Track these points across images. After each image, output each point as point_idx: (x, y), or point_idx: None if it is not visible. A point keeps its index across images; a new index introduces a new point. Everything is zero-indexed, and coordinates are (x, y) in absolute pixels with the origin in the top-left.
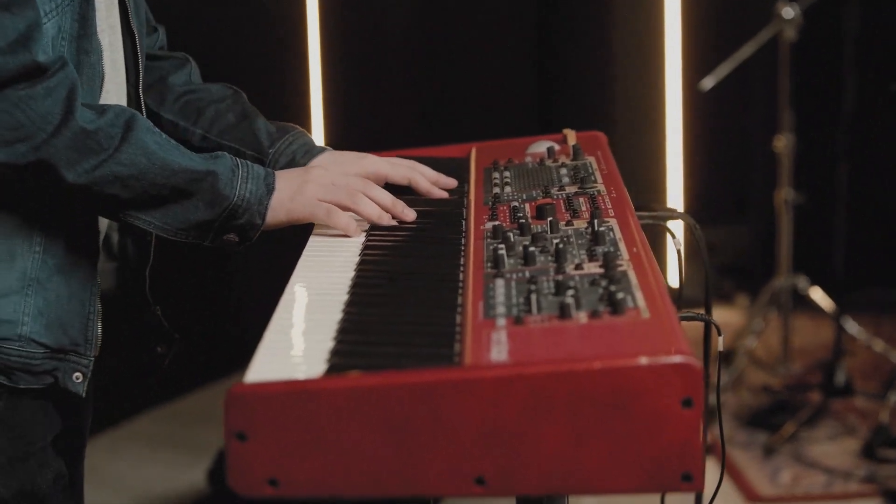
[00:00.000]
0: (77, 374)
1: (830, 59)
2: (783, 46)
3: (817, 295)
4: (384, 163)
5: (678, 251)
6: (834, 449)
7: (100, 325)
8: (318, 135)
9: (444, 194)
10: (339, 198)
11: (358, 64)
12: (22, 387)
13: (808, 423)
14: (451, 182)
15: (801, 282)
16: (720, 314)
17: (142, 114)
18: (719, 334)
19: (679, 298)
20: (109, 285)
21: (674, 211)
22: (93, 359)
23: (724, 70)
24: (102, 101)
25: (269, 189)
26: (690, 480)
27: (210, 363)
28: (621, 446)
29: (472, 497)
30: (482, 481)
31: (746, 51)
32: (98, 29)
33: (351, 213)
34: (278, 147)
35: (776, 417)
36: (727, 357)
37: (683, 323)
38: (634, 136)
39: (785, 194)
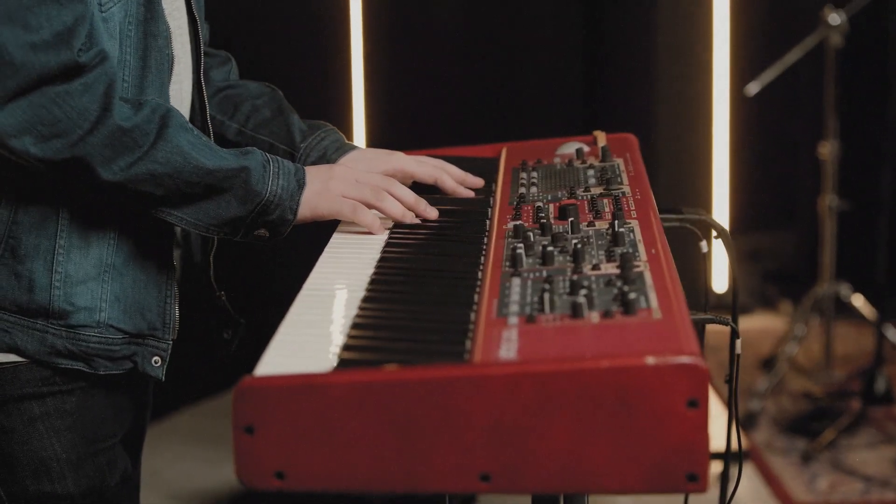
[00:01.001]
0: (156, 357)
1: (876, 65)
2: (829, 52)
3: (859, 302)
4: (411, 161)
5: (706, 254)
6: (872, 457)
7: (177, 308)
8: (359, 132)
9: (470, 193)
10: (363, 195)
11: (400, 61)
12: (102, 373)
13: (848, 430)
14: (478, 182)
15: (844, 289)
16: (764, 320)
17: (202, 99)
18: (737, 337)
19: (706, 301)
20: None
21: (702, 214)
22: (171, 342)
23: (769, 75)
24: (172, 85)
25: (301, 184)
26: (696, 481)
27: (249, 360)
28: (626, 446)
29: (479, 493)
30: (487, 478)
31: (792, 56)
32: (165, 12)
33: (375, 211)
34: (310, 142)
35: (816, 424)
36: (769, 363)
37: (714, 327)
38: (680, 140)
39: (829, 201)
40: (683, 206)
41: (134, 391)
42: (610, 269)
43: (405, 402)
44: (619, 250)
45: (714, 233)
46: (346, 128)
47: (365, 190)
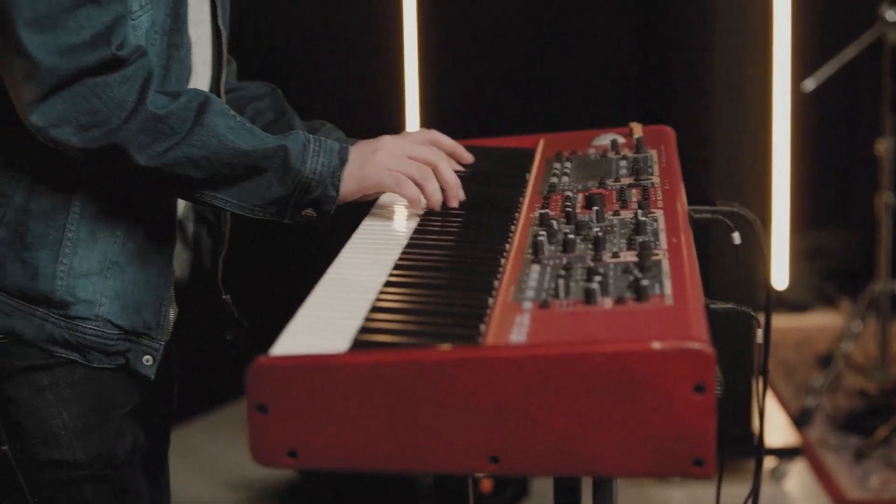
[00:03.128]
0: (147, 357)
1: None
2: (886, 49)
3: None
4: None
5: (737, 245)
6: None
7: (171, 311)
8: (412, 119)
9: (464, 159)
10: (410, 171)
11: (454, 54)
12: (95, 365)
13: None
14: (468, 156)
15: None
16: (823, 318)
17: None
18: (758, 326)
19: (750, 293)
20: (183, 273)
21: (735, 206)
22: (163, 343)
23: (826, 72)
24: None
25: (343, 160)
26: (702, 465)
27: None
28: (632, 430)
29: (485, 473)
30: (496, 459)
31: (849, 53)
32: (190, 23)
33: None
34: None
35: (870, 422)
36: (825, 360)
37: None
38: (737, 136)
39: (885, 198)
40: (718, 198)
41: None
42: (629, 257)
43: (416, 383)
44: (639, 239)
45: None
46: (398, 116)
47: (412, 166)
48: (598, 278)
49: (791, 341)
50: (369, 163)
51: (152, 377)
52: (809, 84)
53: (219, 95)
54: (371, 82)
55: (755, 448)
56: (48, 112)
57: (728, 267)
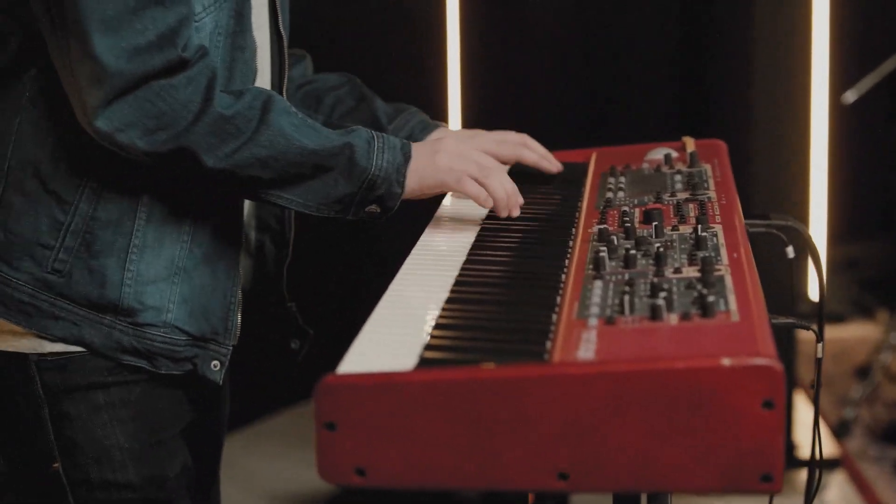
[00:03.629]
0: (215, 362)
1: None
2: None
3: None
4: (492, 142)
5: (790, 259)
6: None
7: (239, 315)
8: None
9: (553, 168)
10: (469, 168)
11: (498, 63)
12: (163, 372)
13: None
14: (556, 163)
15: None
16: (861, 329)
17: None
18: (818, 341)
19: (792, 305)
20: (246, 282)
21: (789, 220)
22: (231, 348)
23: (867, 83)
24: None
25: (406, 157)
26: (770, 481)
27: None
28: (701, 446)
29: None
30: (565, 476)
31: (890, 65)
32: (253, 26)
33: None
34: (396, 124)
35: None
36: (863, 372)
37: (809, 335)
38: (777, 148)
39: None
40: (771, 212)
41: (196, 387)
42: (691, 272)
43: (484, 401)
44: (700, 254)
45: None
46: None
47: (471, 164)
48: (662, 294)
49: (828, 352)
50: (431, 163)
51: (220, 382)
52: (850, 96)
53: None
54: (413, 92)
55: (806, 463)
56: (114, 117)
57: (771, 280)
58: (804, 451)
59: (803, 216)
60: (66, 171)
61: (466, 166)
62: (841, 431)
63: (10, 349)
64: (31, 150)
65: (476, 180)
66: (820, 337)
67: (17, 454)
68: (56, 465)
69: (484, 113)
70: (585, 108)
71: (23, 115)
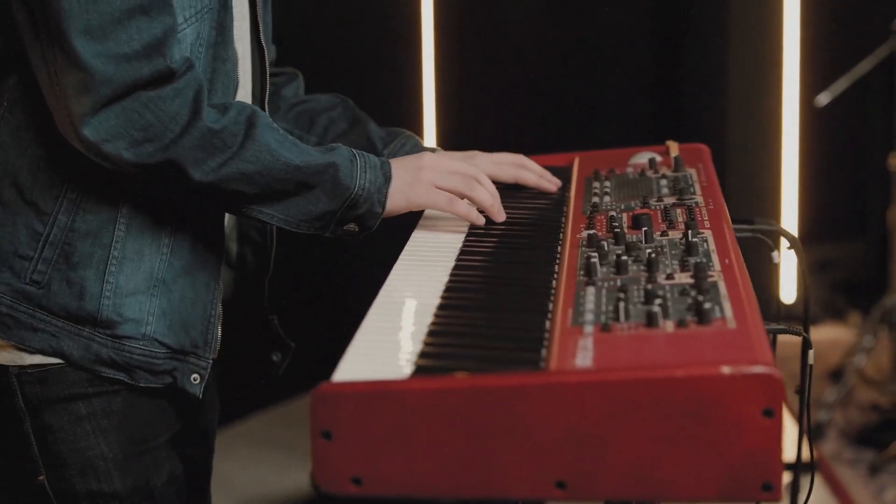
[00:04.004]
0: (195, 375)
1: None
2: None
3: None
4: (490, 163)
5: (777, 264)
6: None
7: (220, 328)
8: (430, 138)
9: (552, 188)
10: (455, 185)
11: (472, 68)
12: (142, 385)
13: None
14: (556, 180)
15: None
16: (833, 331)
17: None
18: (810, 348)
19: (778, 311)
20: (226, 294)
21: (774, 225)
22: (211, 361)
23: (840, 86)
24: None
25: (387, 177)
26: (770, 490)
27: (319, 367)
28: (701, 454)
29: (553, 500)
30: (563, 485)
31: (862, 67)
32: (234, 37)
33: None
34: (391, 148)
35: (884, 436)
36: (837, 374)
37: (785, 338)
38: (750, 150)
39: None
40: (755, 217)
41: (182, 397)
42: (684, 278)
43: (481, 409)
44: (692, 260)
45: (786, 243)
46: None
47: (456, 179)
48: (658, 301)
49: (800, 354)
50: (417, 181)
51: (200, 396)
52: (823, 99)
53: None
54: (387, 98)
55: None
56: (101, 127)
57: (754, 285)
58: (786, 455)
59: (776, 218)
60: (44, 181)
61: (452, 183)
62: (815, 434)
63: None
64: (9, 159)
65: (463, 195)
66: (809, 343)
67: (1, 468)
68: (41, 477)
69: (459, 119)
70: (560, 111)
71: (1, 124)
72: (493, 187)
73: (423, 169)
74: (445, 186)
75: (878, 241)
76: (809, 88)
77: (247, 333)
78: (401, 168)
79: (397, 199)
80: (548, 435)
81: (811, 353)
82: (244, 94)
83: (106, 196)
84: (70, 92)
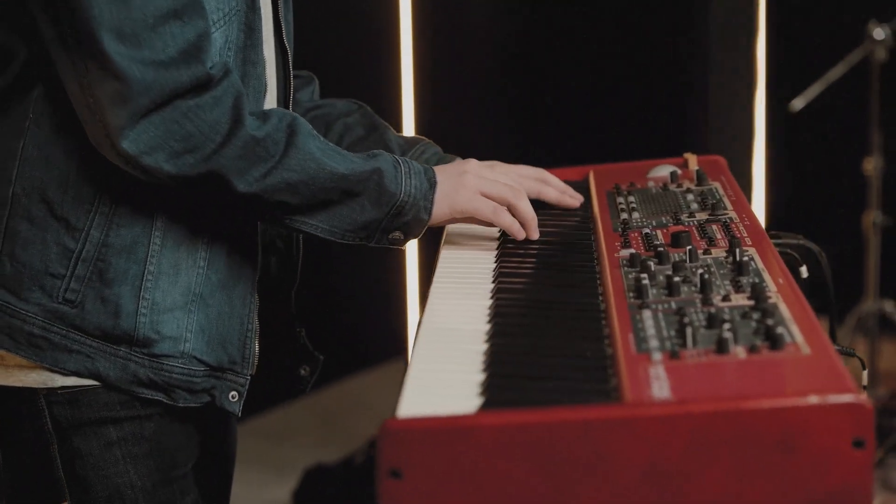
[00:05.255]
0: (233, 392)
1: None
2: (874, 67)
3: None
4: (514, 175)
5: (804, 279)
6: None
7: (257, 343)
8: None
9: (575, 203)
10: (502, 193)
11: (451, 76)
12: (181, 405)
13: (895, 449)
14: (577, 195)
15: (888, 306)
16: None
17: None
18: (864, 368)
19: None
20: None
21: (800, 239)
22: (249, 377)
23: (814, 91)
24: None
25: (432, 183)
26: None
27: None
28: (787, 487)
29: None
30: None
31: (837, 72)
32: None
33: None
34: (410, 156)
35: None
36: None
37: None
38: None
39: (873, 217)
40: (780, 231)
41: (209, 420)
42: (741, 300)
43: (558, 444)
44: (745, 280)
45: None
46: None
47: (502, 188)
48: (727, 326)
49: None
50: (461, 187)
51: (238, 414)
52: (798, 103)
53: None
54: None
55: None
56: (139, 139)
57: None
58: None
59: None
60: (74, 195)
61: (500, 191)
62: None
63: (17, 384)
64: (36, 174)
65: (509, 204)
66: (864, 364)
67: (25, 493)
68: (65, 503)
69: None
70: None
71: (27, 137)
72: (530, 208)
73: (467, 175)
74: (492, 194)
75: (851, 246)
76: (782, 93)
77: (272, 347)
78: (444, 174)
79: (441, 206)
80: (626, 469)
81: (866, 374)
82: (272, 96)
83: (139, 209)
84: (105, 103)
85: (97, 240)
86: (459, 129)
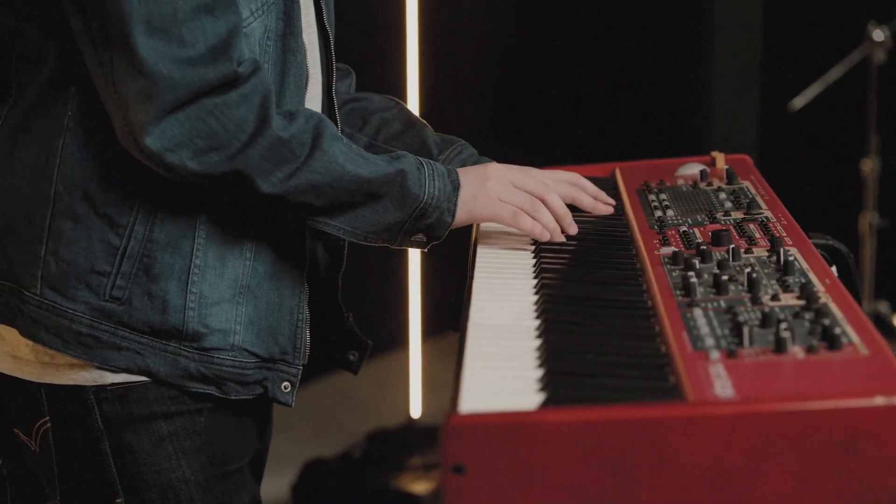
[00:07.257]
0: (286, 383)
1: None
2: (872, 68)
3: None
4: (548, 180)
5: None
6: None
7: (308, 332)
8: None
9: (609, 210)
10: (521, 202)
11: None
12: (232, 397)
13: None
14: (611, 201)
15: (884, 307)
16: None
17: (333, 114)
18: None
19: None
20: None
21: (829, 239)
22: (301, 367)
23: (813, 91)
24: (307, 102)
25: (455, 186)
26: None
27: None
28: (850, 488)
29: None
30: None
31: (836, 72)
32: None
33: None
34: (447, 155)
35: None
36: None
37: None
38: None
39: (870, 218)
40: (809, 232)
41: (259, 413)
42: (790, 300)
43: (621, 442)
44: (792, 279)
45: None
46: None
47: (522, 197)
48: (784, 325)
49: None
50: (481, 192)
51: (291, 404)
52: (798, 102)
53: (330, 102)
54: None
55: None
56: (164, 135)
57: None
58: None
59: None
60: (117, 192)
61: (518, 199)
62: None
63: (69, 383)
64: (78, 172)
65: (527, 213)
66: None
67: (77, 491)
68: (119, 500)
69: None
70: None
71: (66, 135)
72: (561, 203)
73: (489, 179)
74: (511, 201)
75: (848, 247)
76: (781, 93)
77: (320, 333)
78: (467, 177)
79: (461, 210)
80: (690, 469)
81: None
82: (314, 83)
83: (183, 203)
84: (131, 99)
85: (141, 236)
86: (466, 129)
